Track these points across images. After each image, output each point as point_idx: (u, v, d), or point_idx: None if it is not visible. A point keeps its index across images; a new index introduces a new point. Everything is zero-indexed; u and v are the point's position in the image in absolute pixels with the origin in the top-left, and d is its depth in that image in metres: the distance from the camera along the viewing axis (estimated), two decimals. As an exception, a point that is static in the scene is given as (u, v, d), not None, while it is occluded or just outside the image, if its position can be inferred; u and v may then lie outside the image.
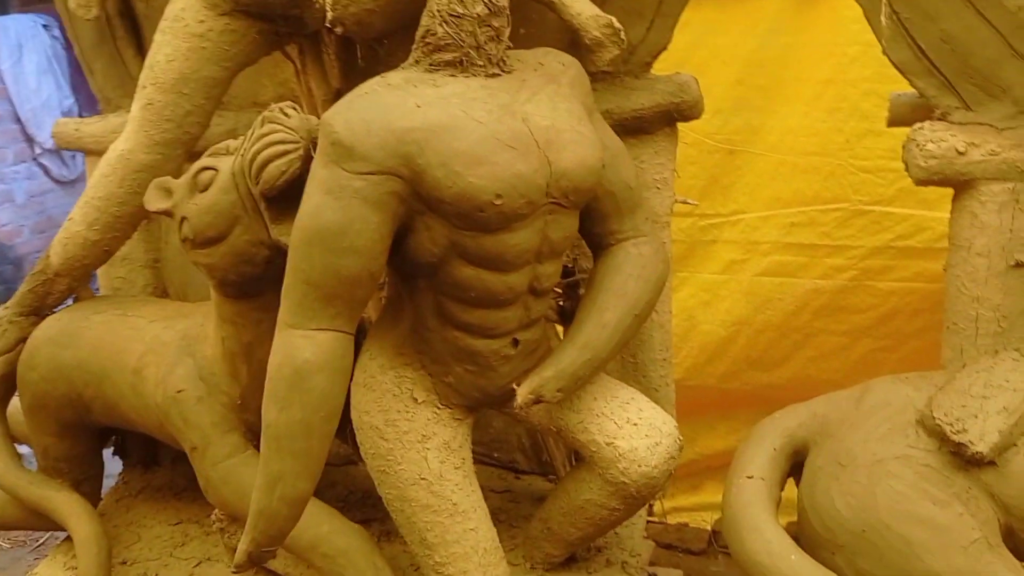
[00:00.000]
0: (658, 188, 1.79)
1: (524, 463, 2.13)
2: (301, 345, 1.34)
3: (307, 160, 1.42)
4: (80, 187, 5.58)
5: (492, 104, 1.38)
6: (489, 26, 1.40)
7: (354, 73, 1.94)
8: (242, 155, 1.45)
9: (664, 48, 1.81)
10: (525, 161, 1.36)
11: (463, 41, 1.39)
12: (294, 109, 1.44)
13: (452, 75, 1.40)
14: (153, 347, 1.80)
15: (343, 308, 1.36)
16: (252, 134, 1.44)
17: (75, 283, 1.97)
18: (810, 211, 2.53)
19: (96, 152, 2.14)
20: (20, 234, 5.24)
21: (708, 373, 2.69)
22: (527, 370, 1.56)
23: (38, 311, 1.99)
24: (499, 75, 1.43)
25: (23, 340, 1.98)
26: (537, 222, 1.42)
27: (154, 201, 1.59)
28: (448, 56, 1.40)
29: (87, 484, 2.04)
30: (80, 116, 5.70)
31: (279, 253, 1.51)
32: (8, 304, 2.01)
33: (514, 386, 1.52)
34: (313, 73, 1.87)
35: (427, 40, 1.41)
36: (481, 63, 1.41)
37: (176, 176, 1.81)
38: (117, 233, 1.87)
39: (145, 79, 1.75)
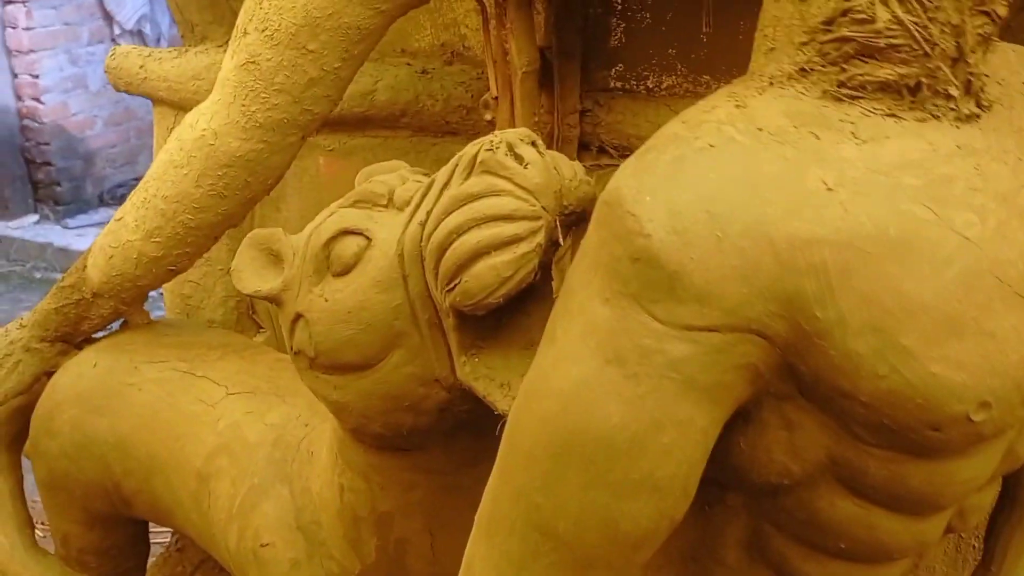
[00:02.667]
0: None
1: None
2: None
3: (549, 249, 0.71)
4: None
5: (987, 192, 0.63)
6: (985, 13, 0.65)
7: (570, 26, 1.24)
8: (422, 224, 0.73)
9: None
10: None
11: (931, 43, 0.64)
12: (533, 146, 0.71)
13: (890, 113, 0.66)
14: (229, 445, 1.15)
15: None
16: (447, 186, 0.72)
17: (123, 307, 1.32)
18: None
19: (167, 103, 1.45)
20: (92, 125, 4.65)
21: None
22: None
23: (68, 338, 1.36)
24: (978, 116, 0.68)
25: (46, 376, 1.36)
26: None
27: (250, 278, 0.87)
28: (890, 72, 0.65)
29: (124, 580, 1.44)
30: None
31: (463, 398, 0.81)
32: (25, 320, 1.38)
33: None
34: (518, 26, 1.14)
35: (842, 29, 0.66)
36: (954, 92, 0.65)
37: (281, 172, 1.14)
38: (188, 249, 1.22)
39: (246, 21, 1.04)
